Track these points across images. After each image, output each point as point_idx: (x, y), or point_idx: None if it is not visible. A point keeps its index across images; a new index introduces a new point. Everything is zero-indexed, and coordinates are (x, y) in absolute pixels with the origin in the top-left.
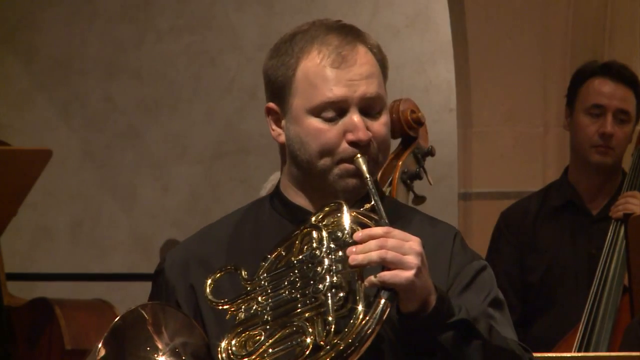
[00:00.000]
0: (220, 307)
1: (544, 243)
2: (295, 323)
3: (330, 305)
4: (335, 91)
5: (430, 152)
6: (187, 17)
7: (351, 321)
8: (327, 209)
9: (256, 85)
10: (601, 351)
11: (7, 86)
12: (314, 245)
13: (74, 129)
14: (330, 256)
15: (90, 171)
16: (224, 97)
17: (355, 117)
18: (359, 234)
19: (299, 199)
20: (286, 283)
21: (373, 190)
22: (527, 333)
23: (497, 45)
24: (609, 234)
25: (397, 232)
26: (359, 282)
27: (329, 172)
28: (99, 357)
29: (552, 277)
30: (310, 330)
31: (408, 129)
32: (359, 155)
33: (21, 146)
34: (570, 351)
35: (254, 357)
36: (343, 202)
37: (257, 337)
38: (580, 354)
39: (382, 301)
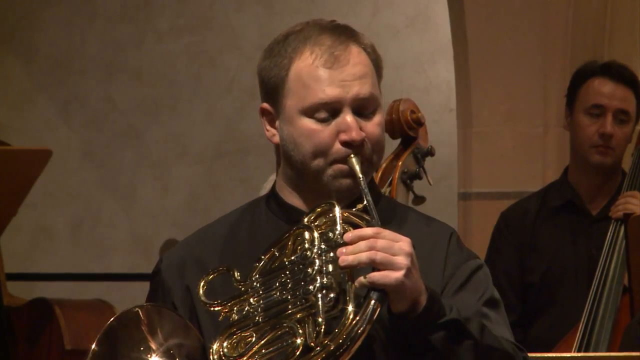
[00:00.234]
0: (213, 309)
1: (544, 243)
2: (285, 324)
3: (320, 307)
4: (328, 92)
5: (430, 152)
6: (187, 17)
7: (342, 322)
8: (318, 209)
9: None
10: (601, 351)
11: (7, 86)
12: (306, 246)
13: (74, 129)
14: (321, 257)
15: (90, 171)
16: (224, 97)
17: (348, 118)
18: (349, 234)
19: (294, 200)
20: (277, 284)
21: (366, 190)
22: (527, 333)
23: (497, 45)
24: (609, 234)
25: (387, 232)
26: (350, 282)
27: (323, 172)
28: (92, 357)
29: (552, 277)
30: (300, 331)
31: (408, 129)
32: (352, 156)
33: (21, 146)
34: (570, 351)
35: (245, 358)
36: (335, 203)
37: (249, 339)
38: (580, 354)
39: (372, 302)
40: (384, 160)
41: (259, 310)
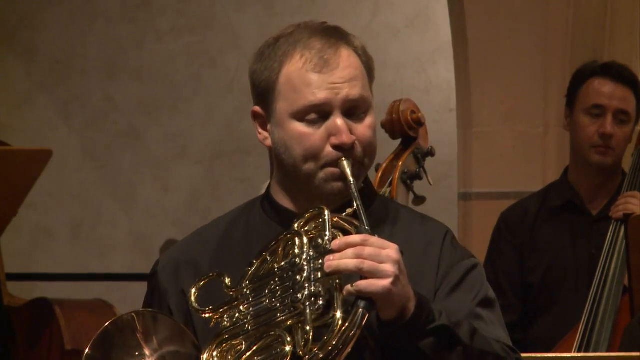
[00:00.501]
0: (204, 315)
1: (544, 243)
2: (274, 332)
3: (308, 315)
4: (318, 95)
5: (431, 153)
6: (188, 17)
7: (330, 329)
8: (308, 214)
9: None
10: (601, 351)
11: (7, 86)
12: (296, 251)
13: (74, 129)
14: (310, 264)
15: (90, 171)
16: (224, 97)
17: (338, 121)
18: (337, 242)
19: (288, 202)
20: (267, 291)
21: (356, 194)
22: (527, 333)
23: (497, 45)
24: (609, 234)
25: (374, 239)
26: (338, 290)
27: (314, 176)
28: None
29: (552, 278)
30: (289, 339)
31: (408, 129)
32: (343, 159)
33: (21, 146)
34: (570, 351)
35: None
36: (324, 208)
37: (239, 347)
38: (580, 354)
39: (360, 310)
40: (384, 160)
41: (249, 317)
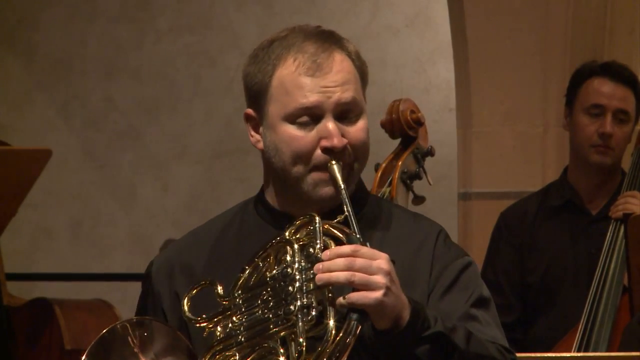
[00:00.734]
0: (197, 325)
1: (544, 243)
2: (267, 344)
3: (300, 327)
4: (310, 98)
5: (430, 152)
6: (187, 17)
7: (323, 341)
8: (298, 222)
9: None
10: (600, 351)
11: (7, 86)
12: (288, 259)
13: (74, 128)
14: (302, 274)
15: (90, 171)
16: (223, 97)
17: (329, 124)
18: (327, 253)
19: (280, 205)
20: (259, 302)
21: (346, 200)
22: (527, 333)
23: (496, 45)
24: (609, 233)
25: (364, 250)
26: (330, 302)
27: (303, 179)
28: None
29: (552, 277)
30: (282, 351)
31: (408, 129)
32: (333, 162)
33: (21, 146)
34: (569, 351)
35: None
36: (315, 215)
37: (232, 358)
38: (579, 354)
39: (352, 323)
40: (384, 160)
41: (242, 329)
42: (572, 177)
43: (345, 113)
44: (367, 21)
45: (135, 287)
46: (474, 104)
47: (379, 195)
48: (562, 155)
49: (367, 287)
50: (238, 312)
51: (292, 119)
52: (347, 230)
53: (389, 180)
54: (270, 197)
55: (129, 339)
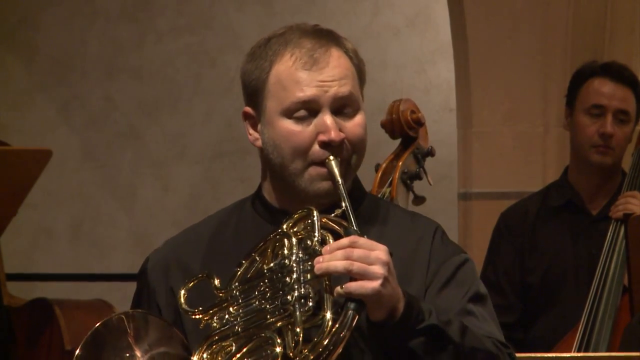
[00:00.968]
0: (194, 317)
1: (544, 243)
2: (264, 334)
3: (298, 317)
4: (307, 91)
5: (430, 152)
6: (187, 17)
7: (320, 331)
8: (297, 215)
9: None
10: (601, 351)
11: (7, 86)
12: (285, 252)
13: (74, 128)
14: (299, 265)
15: (90, 171)
16: (224, 97)
17: (326, 118)
18: (327, 247)
19: (278, 202)
20: (256, 293)
21: (344, 195)
22: (527, 333)
23: (497, 45)
24: (609, 234)
25: (363, 241)
26: (327, 292)
27: (300, 175)
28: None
29: (552, 277)
30: (279, 341)
31: (408, 129)
32: (331, 158)
33: (21, 146)
34: (570, 351)
35: None
36: (313, 209)
37: (229, 348)
38: (580, 354)
39: (350, 312)
40: (384, 160)
41: (239, 319)
42: (573, 177)
43: (342, 108)
44: (368, 21)
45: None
46: (475, 104)
47: (379, 195)
48: (562, 155)
49: (365, 276)
50: (235, 304)
51: (289, 113)
52: (345, 223)
53: (389, 181)
54: (268, 195)
55: (124, 331)
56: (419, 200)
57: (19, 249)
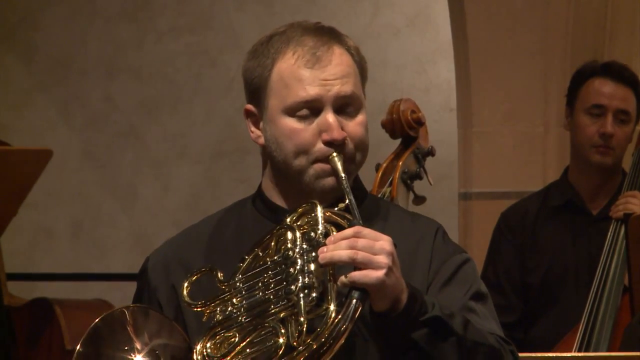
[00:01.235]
0: (196, 309)
1: (544, 243)
2: (268, 324)
3: (302, 306)
4: (309, 90)
5: (431, 152)
6: (188, 17)
7: (324, 321)
8: (300, 209)
9: None
10: (601, 351)
11: (7, 86)
12: (288, 245)
13: (74, 128)
14: (303, 257)
15: (90, 171)
16: (224, 97)
17: (329, 117)
18: (331, 238)
19: (280, 200)
20: (260, 284)
21: (348, 189)
22: (527, 333)
23: (497, 45)
24: (609, 233)
25: (367, 231)
26: (331, 281)
27: (304, 172)
28: (77, 357)
29: (553, 277)
30: (282, 331)
31: (408, 129)
32: (334, 154)
33: (21, 146)
34: (570, 351)
35: (228, 358)
36: (316, 202)
37: (232, 339)
38: (580, 354)
39: (354, 301)
40: (385, 160)
41: (242, 310)
42: (573, 177)
43: (345, 107)
44: (368, 21)
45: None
46: (475, 104)
47: (380, 195)
48: (562, 155)
49: (370, 266)
50: (238, 295)
51: (291, 112)
52: (349, 216)
53: (389, 181)
54: (269, 192)
55: (124, 325)
56: (419, 200)
57: (20, 248)
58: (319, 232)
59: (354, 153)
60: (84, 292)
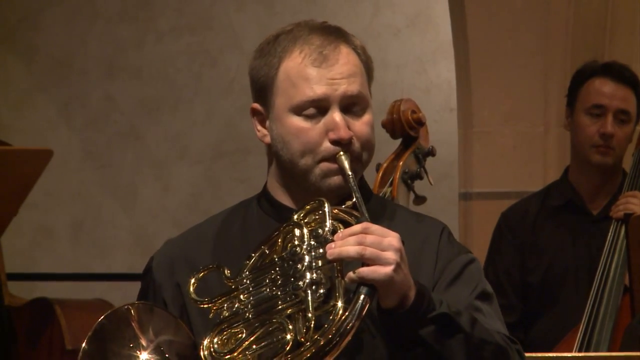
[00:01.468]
0: (203, 306)
1: (545, 243)
2: (275, 320)
3: (309, 302)
4: (316, 89)
5: (431, 152)
6: (188, 17)
7: (331, 317)
8: (308, 207)
9: None
10: (602, 351)
11: (7, 86)
12: (296, 242)
13: (75, 128)
14: (310, 253)
15: (90, 171)
16: (224, 97)
17: (336, 116)
18: (339, 234)
19: (286, 199)
20: (267, 281)
21: (355, 187)
22: (527, 333)
23: (497, 45)
24: (610, 234)
25: (375, 227)
26: (339, 278)
27: (311, 171)
28: (81, 355)
29: (553, 277)
30: (290, 327)
31: (409, 129)
32: (341, 153)
33: (22, 146)
34: (570, 351)
35: (235, 354)
36: (324, 200)
37: (239, 335)
38: (580, 354)
39: (361, 297)
40: (385, 160)
41: (249, 306)
42: (573, 177)
43: (351, 106)
44: (368, 21)
45: (136, 287)
46: (475, 104)
47: (380, 195)
48: (563, 155)
49: (378, 262)
50: (245, 292)
51: (298, 110)
52: (356, 213)
53: (390, 181)
54: (275, 191)
55: (129, 322)
56: (419, 200)
57: (20, 248)
58: (327, 229)
59: (360, 152)
60: (84, 292)
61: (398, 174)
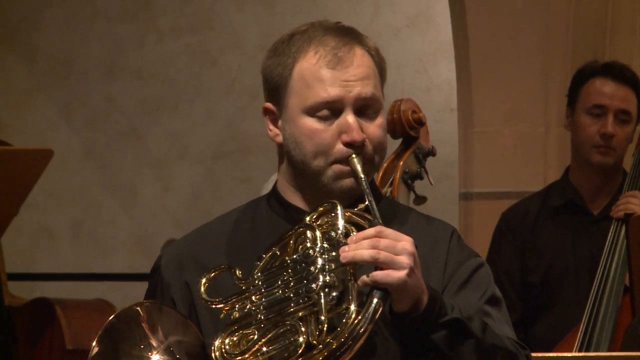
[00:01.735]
0: (214, 306)
1: (545, 243)
2: (288, 322)
3: (322, 305)
4: (330, 91)
5: (432, 152)
6: (188, 17)
7: (344, 320)
8: (321, 209)
9: (257, 85)
10: (602, 351)
11: (8, 86)
12: (308, 244)
13: (75, 128)
14: (323, 256)
15: (91, 171)
16: (224, 97)
17: (349, 118)
18: (352, 237)
19: (296, 199)
20: (280, 282)
21: (367, 190)
22: (528, 333)
23: (498, 45)
24: (610, 234)
25: (389, 231)
26: (352, 281)
27: (323, 173)
28: (92, 355)
29: (553, 277)
30: (303, 329)
31: (409, 129)
32: (353, 156)
33: (22, 146)
34: (571, 351)
35: (247, 355)
36: (337, 202)
37: (251, 336)
38: (581, 354)
39: (375, 300)
40: (385, 160)
41: (261, 308)
42: (574, 177)
43: (365, 109)
44: (368, 21)
45: (136, 287)
46: (475, 104)
47: None
48: (563, 155)
49: (392, 266)
50: (257, 293)
51: (312, 112)
52: (369, 217)
53: (390, 181)
54: (285, 192)
55: (139, 322)
56: (420, 200)
57: (20, 248)
58: (340, 231)
59: (372, 155)
60: (85, 292)
61: (398, 174)
